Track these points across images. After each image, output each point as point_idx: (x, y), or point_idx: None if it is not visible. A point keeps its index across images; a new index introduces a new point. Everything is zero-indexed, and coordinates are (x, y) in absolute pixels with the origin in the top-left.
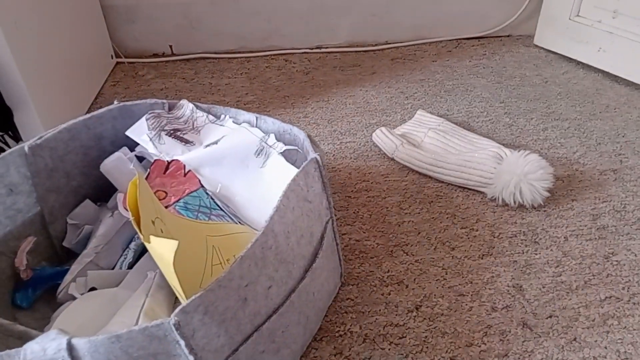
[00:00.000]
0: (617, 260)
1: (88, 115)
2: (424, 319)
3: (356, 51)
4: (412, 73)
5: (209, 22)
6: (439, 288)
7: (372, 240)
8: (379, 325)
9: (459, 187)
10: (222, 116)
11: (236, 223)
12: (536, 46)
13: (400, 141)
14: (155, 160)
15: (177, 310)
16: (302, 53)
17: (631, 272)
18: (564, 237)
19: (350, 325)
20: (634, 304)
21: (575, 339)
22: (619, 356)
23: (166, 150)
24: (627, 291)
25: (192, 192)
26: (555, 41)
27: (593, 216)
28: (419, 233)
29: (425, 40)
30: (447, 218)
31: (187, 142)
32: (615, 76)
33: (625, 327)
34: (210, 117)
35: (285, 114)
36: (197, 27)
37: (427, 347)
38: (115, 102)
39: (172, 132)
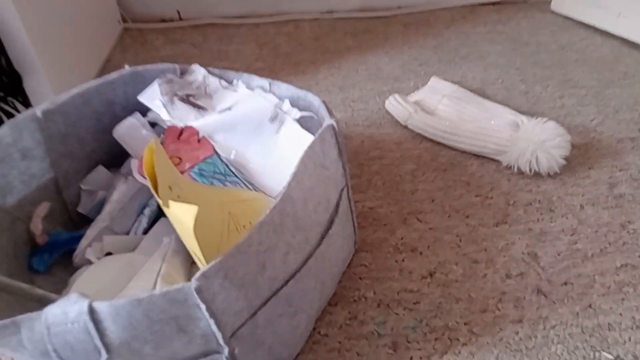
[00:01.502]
0: (633, 229)
1: (100, 80)
2: (438, 285)
3: (368, 17)
4: (425, 39)
5: None
6: (453, 255)
7: (385, 207)
8: (393, 291)
9: (474, 154)
10: (235, 81)
11: (251, 189)
12: (553, 12)
13: (414, 108)
14: (168, 126)
15: (197, 274)
16: (313, 19)
17: None
18: (580, 205)
19: (365, 291)
20: None
21: (590, 306)
22: (634, 322)
23: (179, 116)
24: None
25: (206, 158)
26: (573, 6)
27: (610, 184)
28: (433, 201)
29: (438, 5)
30: (461, 186)
31: (200, 107)
32: (635, 43)
33: None
34: (223, 82)
35: (296, 80)
36: None
37: (441, 313)
38: (127, 67)
39: (184, 97)
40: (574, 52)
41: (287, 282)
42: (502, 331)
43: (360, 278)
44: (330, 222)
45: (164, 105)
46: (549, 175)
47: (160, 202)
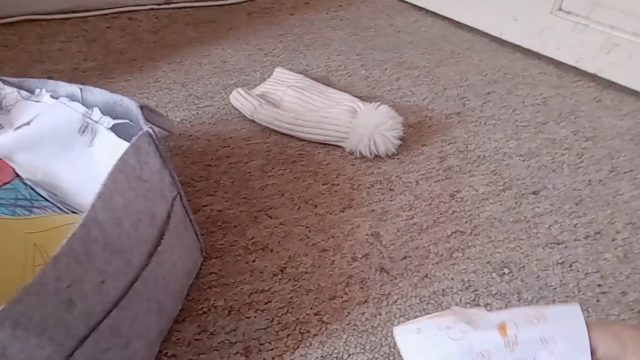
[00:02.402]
0: (460, 197)
1: None
2: (289, 280)
3: (210, 5)
4: (270, 28)
5: None
6: (303, 247)
7: (235, 208)
8: (244, 295)
9: (320, 143)
10: (38, 90)
11: (66, 213)
12: None
13: (259, 101)
14: None
15: None
16: (149, 10)
17: (473, 206)
18: (416, 182)
19: (215, 300)
20: (476, 235)
21: (426, 275)
22: (463, 285)
23: None
24: (470, 224)
25: (4, 184)
26: None
27: (440, 158)
28: (283, 194)
29: None
30: (309, 176)
31: None
32: (459, 22)
33: (469, 257)
34: (23, 92)
35: (133, 79)
36: None
37: (292, 308)
38: None
39: None
40: (408, 34)
41: (108, 312)
42: (350, 315)
43: (209, 287)
44: (160, 237)
45: None
46: (387, 156)
47: None
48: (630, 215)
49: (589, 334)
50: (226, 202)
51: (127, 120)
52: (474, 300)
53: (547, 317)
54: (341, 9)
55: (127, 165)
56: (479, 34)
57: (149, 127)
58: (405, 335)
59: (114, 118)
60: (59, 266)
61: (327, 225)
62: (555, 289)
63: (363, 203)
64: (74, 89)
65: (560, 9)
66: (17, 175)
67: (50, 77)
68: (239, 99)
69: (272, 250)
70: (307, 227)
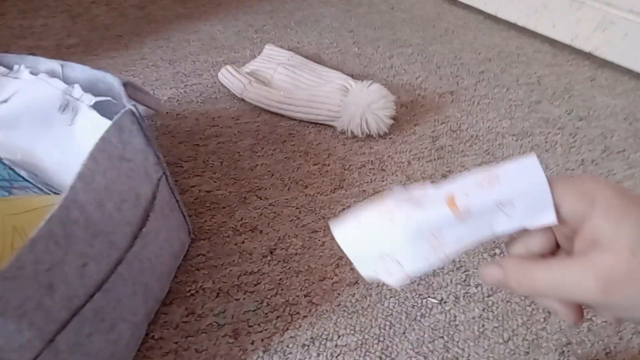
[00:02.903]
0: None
1: None
2: (279, 261)
3: None
4: (260, 3)
5: None
6: (293, 228)
7: (223, 189)
8: (233, 277)
9: (311, 122)
10: (16, 66)
11: (48, 193)
12: None
13: (248, 79)
14: None
15: None
16: None
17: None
18: (408, 162)
19: (203, 282)
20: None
21: None
22: (454, 265)
23: None
24: None
25: None
26: None
27: (432, 138)
28: (273, 175)
29: None
30: (300, 156)
31: None
32: (454, 0)
33: None
34: (1, 69)
35: (118, 56)
36: None
37: (281, 289)
38: None
39: None
40: (402, 11)
41: (91, 296)
42: (340, 296)
43: (197, 269)
44: (144, 219)
45: None
46: (379, 135)
47: None
48: None
49: (551, 189)
50: (215, 182)
51: (109, 98)
52: (464, 280)
53: (501, 178)
54: None
55: (109, 144)
56: (473, 12)
57: (132, 105)
58: (345, 229)
59: (96, 95)
60: (37, 249)
61: (317, 206)
62: None
63: (354, 183)
64: (54, 64)
65: None
66: None
67: (32, 54)
68: (228, 76)
69: (261, 232)
70: (297, 208)
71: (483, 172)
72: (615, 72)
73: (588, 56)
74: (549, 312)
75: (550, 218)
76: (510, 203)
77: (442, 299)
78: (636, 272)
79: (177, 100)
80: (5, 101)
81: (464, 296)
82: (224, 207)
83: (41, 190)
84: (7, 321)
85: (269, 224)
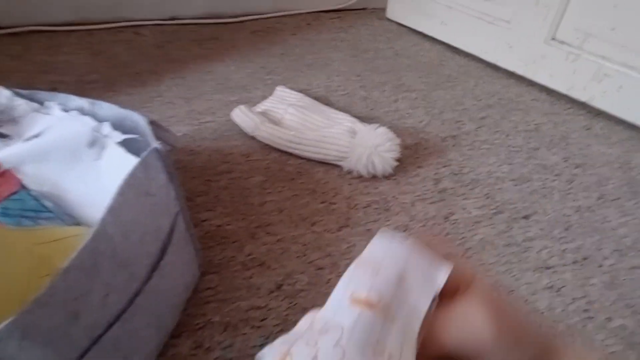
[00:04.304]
0: (454, 219)
1: None
2: (285, 297)
3: (214, 23)
4: (272, 47)
5: None
6: (300, 264)
7: (233, 224)
8: (240, 311)
9: (319, 162)
10: (48, 103)
11: (71, 224)
12: (388, 19)
13: (260, 119)
14: None
15: None
16: (155, 25)
17: (466, 228)
18: (411, 203)
19: (211, 316)
20: (467, 257)
21: None
22: None
23: None
24: (463, 246)
25: (11, 194)
26: (404, 15)
27: (435, 181)
28: (281, 211)
29: (284, 12)
30: (307, 194)
31: (2, 136)
32: (456, 48)
33: None
34: (34, 104)
35: (136, 93)
36: None
37: (287, 325)
38: None
39: None
40: (406, 57)
41: (111, 325)
42: None
43: (206, 302)
44: (163, 251)
45: None
46: (384, 176)
47: None
48: (617, 242)
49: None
50: (225, 217)
51: (136, 136)
52: None
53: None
54: (342, 30)
55: (136, 180)
56: (475, 60)
57: (159, 144)
58: None
59: (123, 132)
60: (68, 278)
61: (324, 243)
62: (543, 313)
63: (359, 222)
64: (83, 102)
65: (553, 39)
66: (24, 187)
67: (54, 88)
68: (241, 116)
69: (269, 267)
70: (304, 245)
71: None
72: (610, 121)
73: (584, 106)
74: None
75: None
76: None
77: None
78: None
79: (192, 136)
80: (37, 135)
81: None
82: (233, 242)
83: (65, 221)
84: (34, 347)
85: (276, 259)
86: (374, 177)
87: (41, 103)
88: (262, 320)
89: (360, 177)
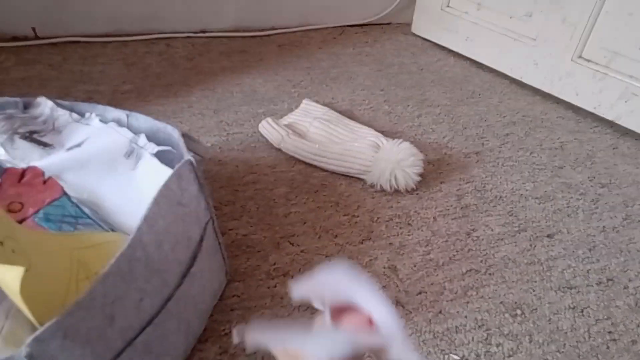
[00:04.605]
0: (476, 236)
1: None
2: (307, 307)
3: (243, 36)
4: (298, 60)
5: (78, 0)
6: None
7: (259, 233)
8: (264, 319)
9: (343, 175)
10: (88, 114)
11: (107, 230)
12: (413, 34)
13: (286, 131)
14: (6, 168)
15: (29, 339)
16: (186, 37)
17: (488, 245)
18: (433, 218)
19: (236, 323)
20: (490, 274)
21: (440, 312)
22: (476, 323)
23: (21, 155)
24: (485, 263)
25: (53, 201)
26: (429, 30)
27: (458, 196)
28: (305, 223)
29: (311, 26)
30: (331, 206)
31: (45, 145)
32: (481, 64)
33: (482, 296)
34: (74, 115)
35: (168, 104)
36: (65, 6)
37: None
38: None
39: (27, 134)
40: (431, 72)
41: (143, 329)
42: None
43: (232, 309)
44: (193, 259)
45: (1, 145)
46: (407, 191)
47: None
48: None
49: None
50: (251, 227)
51: (170, 148)
52: (485, 339)
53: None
54: (367, 45)
55: (170, 190)
56: (499, 76)
57: (192, 156)
58: None
59: (156, 144)
60: (107, 283)
61: (346, 255)
62: (566, 333)
63: (381, 236)
64: (120, 114)
65: (580, 57)
66: (65, 193)
67: (90, 97)
68: (268, 128)
69: (292, 277)
70: (326, 256)
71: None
72: (638, 141)
73: (611, 124)
74: None
75: None
76: None
77: (463, 356)
78: None
79: (220, 147)
80: (78, 145)
81: (485, 354)
82: (258, 251)
83: (102, 227)
84: (75, 346)
85: (300, 270)
86: (397, 192)
87: (81, 114)
88: None
89: (382, 191)
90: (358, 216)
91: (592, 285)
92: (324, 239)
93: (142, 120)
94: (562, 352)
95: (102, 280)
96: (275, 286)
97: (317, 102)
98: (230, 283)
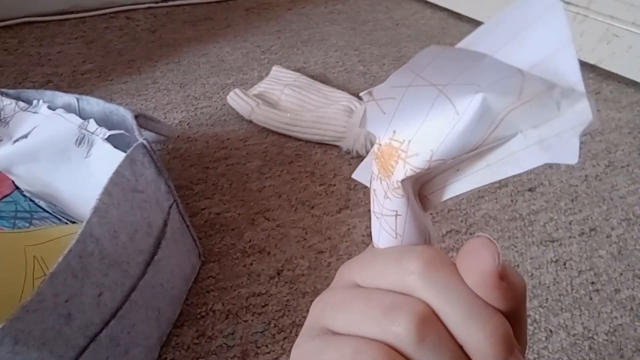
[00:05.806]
0: None
1: None
2: (286, 282)
3: (207, 2)
4: (267, 24)
5: None
6: (300, 249)
7: (232, 211)
8: (241, 298)
9: (317, 143)
10: (35, 102)
11: (66, 223)
12: None
13: (256, 102)
14: None
15: None
16: (147, 8)
17: (468, 204)
18: None
19: (213, 304)
20: (470, 234)
21: None
22: None
23: None
24: (465, 223)
25: (4, 196)
26: None
27: None
28: (280, 196)
29: None
30: (306, 177)
31: None
32: (458, 14)
33: None
34: (21, 104)
35: (131, 81)
36: None
37: (288, 311)
38: None
39: None
40: (407, 27)
41: (107, 323)
42: None
43: (207, 291)
44: (156, 246)
45: None
46: None
47: None
48: (626, 210)
49: None
50: (224, 204)
51: (122, 131)
52: None
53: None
54: (339, 2)
55: (122, 177)
56: (478, 25)
57: (144, 139)
58: None
59: (111, 128)
60: (56, 282)
61: (323, 226)
62: (548, 287)
63: (359, 203)
64: (70, 98)
65: None
66: (17, 188)
67: (49, 81)
68: (236, 99)
69: (269, 253)
70: (303, 229)
71: None
72: (620, 84)
73: (593, 68)
74: (550, 331)
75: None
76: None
77: None
78: None
79: (188, 123)
80: (25, 136)
81: None
82: (232, 229)
83: (59, 219)
84: (29, 350)
85: (276, 245)
86: None
87: (29, 102)
88: (263, 306)
89: (359, 156)
90: (335, 185)
91: (575, 237)
92: (300, 211)
93: (93, 103)
94: (545, 306)
95: (50, 281)
96: (251, 264)
97: (288, 67)
98: (204, 264)
